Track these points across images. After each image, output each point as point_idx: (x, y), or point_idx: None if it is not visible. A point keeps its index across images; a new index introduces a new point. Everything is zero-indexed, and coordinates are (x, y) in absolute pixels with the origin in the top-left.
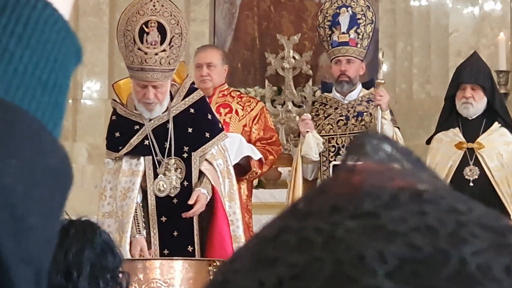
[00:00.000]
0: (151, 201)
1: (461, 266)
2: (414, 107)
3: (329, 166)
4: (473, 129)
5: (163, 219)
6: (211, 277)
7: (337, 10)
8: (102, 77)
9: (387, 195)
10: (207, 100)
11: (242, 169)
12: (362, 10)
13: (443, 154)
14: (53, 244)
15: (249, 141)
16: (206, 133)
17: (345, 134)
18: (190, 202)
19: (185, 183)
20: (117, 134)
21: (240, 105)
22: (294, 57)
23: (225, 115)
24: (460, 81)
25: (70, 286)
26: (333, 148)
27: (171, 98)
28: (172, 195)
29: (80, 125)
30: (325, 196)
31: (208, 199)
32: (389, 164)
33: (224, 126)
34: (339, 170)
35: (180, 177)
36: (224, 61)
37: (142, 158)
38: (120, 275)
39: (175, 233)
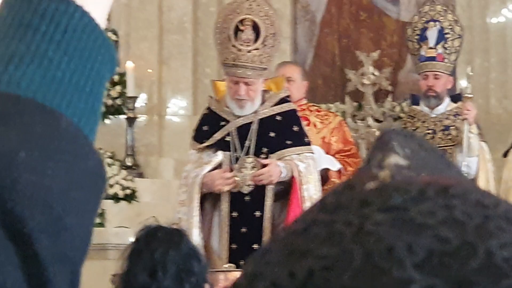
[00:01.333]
0: (224, 196)
1: (487, 258)
2: (491, 122)
3: None
4: None
5: (234, 214)
6: None
7: (426, 25)
8: (187, 94)
9: (415, 189)
10: (298, 114)
11: (321, 179)
12: (450, 25)
13: None
14: (87, 245)
15: (328, 153)
16: (288, 141)
17: None
18: (263, 161)
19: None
20: (205, 128)
21: (318, 118)
22: (373, 73)
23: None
24: None
25: (155, 285)
26: None
27: (263, 103)
28: (245, 192)
29: (165, 140)
30: (354, 190)
31: (281, 175)
32: (415, 160)
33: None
34: (367, 165)
35: None
36: (303, 77)
37: (220, 152)
38: (206, 284)
39: (244, 229)
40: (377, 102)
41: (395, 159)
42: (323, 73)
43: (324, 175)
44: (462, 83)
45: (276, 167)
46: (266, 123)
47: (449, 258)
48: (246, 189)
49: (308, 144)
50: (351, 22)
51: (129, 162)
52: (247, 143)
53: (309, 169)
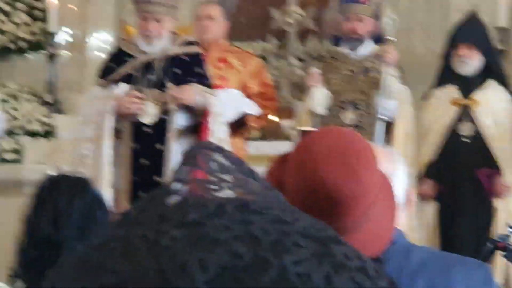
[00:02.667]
0: (126, 127)
1: (281, 274)
2: (414, 63)
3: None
4: (469, 86)
5: (135, 146)
6: None
7: None
8: (109, 30)
9: (214, 205)
10: (204, 59)
11: (239, 123)
12: None
13: (439, 110)
14: None
15: (247, 96)
16: (192, 79)
17: (352, 89)
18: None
19: (161, 116)
20: (111, 64)
21: (238, 60)
22: (298, 12)
23: (224, 70)
24: (456, 40)
25: (58, 234)
26: (340, 103)
27: (170, 43)
28: (147, 123)
29: (86, 78)
30: (156, 205)
31: (197, 99)
32: (221, 174)
33: (221, 82)
34: (172, 179)
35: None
36: (225, 16)
37: (122, 84)
38: None
39: (144, 162)
40: (300, 41)
41: (199, 173)
42: (248, 11)
43: (242, 119)
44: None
45: (192, 90)
46: (171, 60)
47: (241, 274)
48: (147, 120)
49: (211, 87)
50: None
51: (49, 98)
52: (151, 77)
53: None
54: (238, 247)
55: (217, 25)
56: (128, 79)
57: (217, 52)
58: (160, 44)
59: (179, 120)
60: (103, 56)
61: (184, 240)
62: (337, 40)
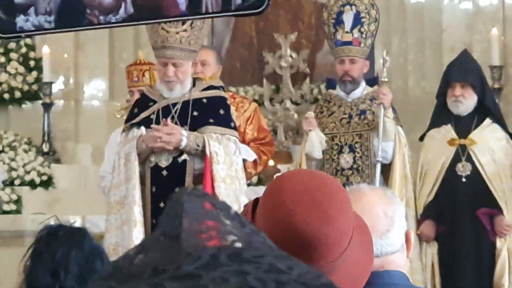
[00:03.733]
0: (147, 172)
1: None
2: (409, 103)
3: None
4: (465, 125)
5: (153, 189)
6: None
7: (342, 8)
8: (103, 79)
9: (207, 255)
10: (227, 103)
11: None
12: (366, 8)
13: (436, 151)
14: None
15: (243, 141)
16: (211, 119)
17: (348, 132)
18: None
19: (179, 159)
20: (136, 110)
21: (233, 106)
22: (291, 56)
23: None
24: (450, 79)
25: (57, 286)
26: (336, 146)
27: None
28: (163, 166)
29: (82, 126)
30: (146, 256)
31: (182, 143)
32: (208, 221)
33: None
34: (158, 228)
35: (175, 152)
36: (218, 61)
37: (142, 127)
38: None
39: (162, 204)
40: (294, 85)
41: (188, 221)
42: (241, 56)
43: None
44: (379, 64)
45: (177, 130)
46: (192, 103)
47: None
48: (163, 164)
49: (234, 128)
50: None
51: (46, 148)
52: (169, 121)
53: (227, 150)
54: None
55: (211, 70)
56: (148, 122)
57: None
58: (182, 89)
59: (196, 164)
60: (97, 104)
61: None
62: (331, 83)
